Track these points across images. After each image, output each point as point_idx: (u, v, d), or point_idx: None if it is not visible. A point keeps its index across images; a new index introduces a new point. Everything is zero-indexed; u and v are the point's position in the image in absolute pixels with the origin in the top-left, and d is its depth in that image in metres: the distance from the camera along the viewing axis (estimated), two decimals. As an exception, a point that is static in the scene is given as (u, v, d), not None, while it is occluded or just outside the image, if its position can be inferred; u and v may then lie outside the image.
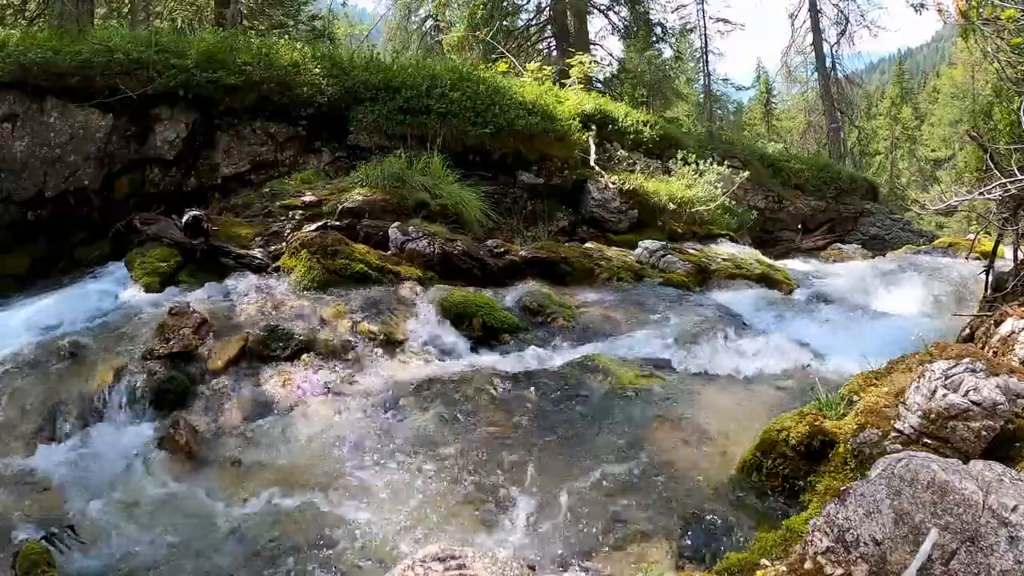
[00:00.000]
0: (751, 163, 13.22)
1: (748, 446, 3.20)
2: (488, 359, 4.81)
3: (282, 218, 6.79)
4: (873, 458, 2.48)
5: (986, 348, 3.35)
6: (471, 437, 3.73)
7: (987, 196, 3.88)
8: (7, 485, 3.54)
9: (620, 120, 11.43)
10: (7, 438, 3.93)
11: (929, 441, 2.60)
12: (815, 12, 23.80)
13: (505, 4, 19.18)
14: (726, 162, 11.67)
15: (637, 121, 11.69)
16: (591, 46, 18.77)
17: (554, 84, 11.90)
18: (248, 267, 6.00)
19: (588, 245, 7.66)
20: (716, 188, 10.14)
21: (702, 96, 24.53)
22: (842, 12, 23.61)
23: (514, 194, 9.04)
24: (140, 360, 4.42)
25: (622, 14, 20.56)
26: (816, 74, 24.63)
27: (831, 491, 2.57)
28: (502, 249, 6.54)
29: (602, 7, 20.42)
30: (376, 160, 7.65)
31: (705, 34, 22.36)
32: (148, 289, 5.68)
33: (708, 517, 2.95)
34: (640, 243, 7.66)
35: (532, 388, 4.21)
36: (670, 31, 21.23)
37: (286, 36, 12.48)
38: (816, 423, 2.95)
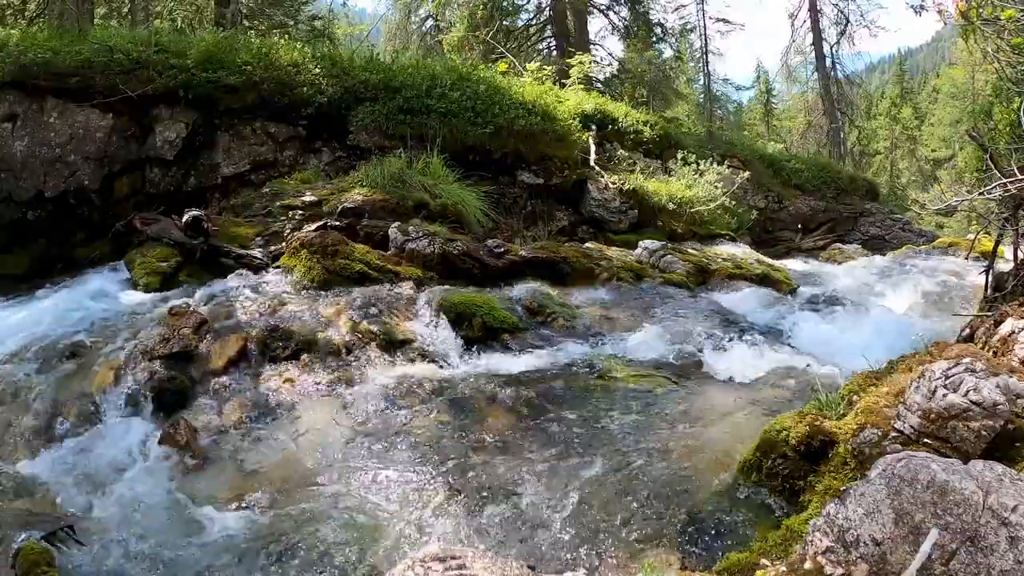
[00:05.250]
0: (751, 163, 13.22)
1: (748, 446, 3.20)
2: (488, 359, 4.81)
3: (282, 218, 6.80)
4: (873, 458, 2.47)
5: (986, 348, 3.34)
6: (471, 437, 3.73)
7: (987, 196, 3.88)
8: (7, 485, 3.54)
9: (620, 120, 11.43)
10: (7, 438, 3.93)
11: (929, 441, 2.60)
12: (815, 12, 23.79)
13: (505, 4, 19.17)
14: (726, 162, 11.67)
15: (637, 121, 11.69)
16: (591, 46, 18.76)
17: (554, 84, 11.90)
18: (248, 267, 6.01)
19: (588, 245, 7.66)
20: (716, 188, 10.14)
21: (702, 96, 24.53)
22: (842, 12, 23.61)
23: (514, 194, 9.04)
24: (140, 360, 4.42)
25: (622, 14, 20.56)
26: (816, 74, 24.61)
27: (831, 491, 2.57)
28: (502, 249, 6.54)
29: (602, 7, 20.42)
30: (376, 160, 7.65)
31: (705, 34, 22.36)
32: (148, 289, 5.69)
33: (708, 517, 2.95)
34: (640, 243, 7.66)
35: (532, 388, 4.21)
36: (670, 31, 21.23)
37: (286, 36, 12.48)
38: (816, 423, 2.94)
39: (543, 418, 3.91)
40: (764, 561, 2.31)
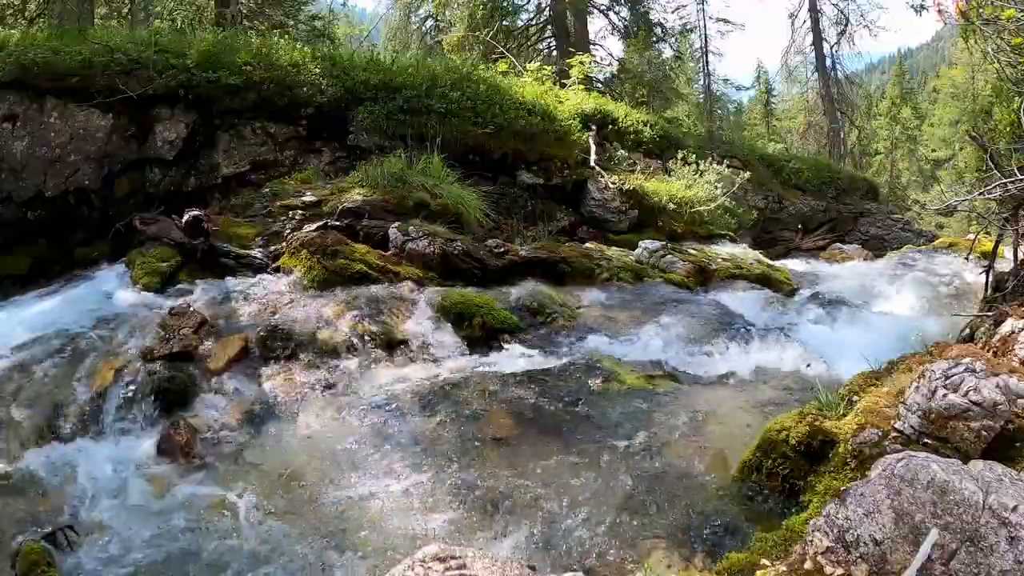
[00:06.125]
0: (751, 163, 13.21)
1: (748, 446, 3.20)
2: (488, 359, 4.80)
3: (282, 218, 6.79)
4: (873, 458, 2.48)
5: (986, 348, 3.34)
6: (471, 437, 3.73)
7: (987, 196, 3.88)
8: (7, 485, 3.54)
9: (620, 120, 11.43)
10: (7, 438, 3.93)
11: (929, 441, 2.60)
12: (815, 12, 23.79)
13: (505, 4, 19.16)
14: (726, 162, 11.66)
15: (637, 121, 11.69)
16: (591, 46, 18.75)
17: (554, 84, 11.90)
18: (248, 267, 6.00)
19: (588, 245, 7.65)
20: (716, 188, 10.14)
21: (702, 96, 24.54)
22: (842, 12, 23.61)
23: (514, 194, 9.04)
24: (140, 360, 4.42)
25: (622, 14, 20.57)
26: (816, 74, 24.62)
27: (831, 491, 2.57)
28: (502, 249, 6.54)
29: (602, 7, 20.42)
30: (376, 160, 7.65)
31: (705, 34, 22.40)
32: (148, 289, 5.68)
33: (708, 517, 2.95)
34: (640, 243, 7.66)
35: (532, 389, 4.21)
36: (670, 31, 21.24)
37: (286, 36, 12.48)
38: (816, 423, 2.95)
39: (542, 418, 3.91)
40: (764, 561, 2.31)
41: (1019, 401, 2.60)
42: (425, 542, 2.84)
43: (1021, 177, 3.53)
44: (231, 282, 5.70)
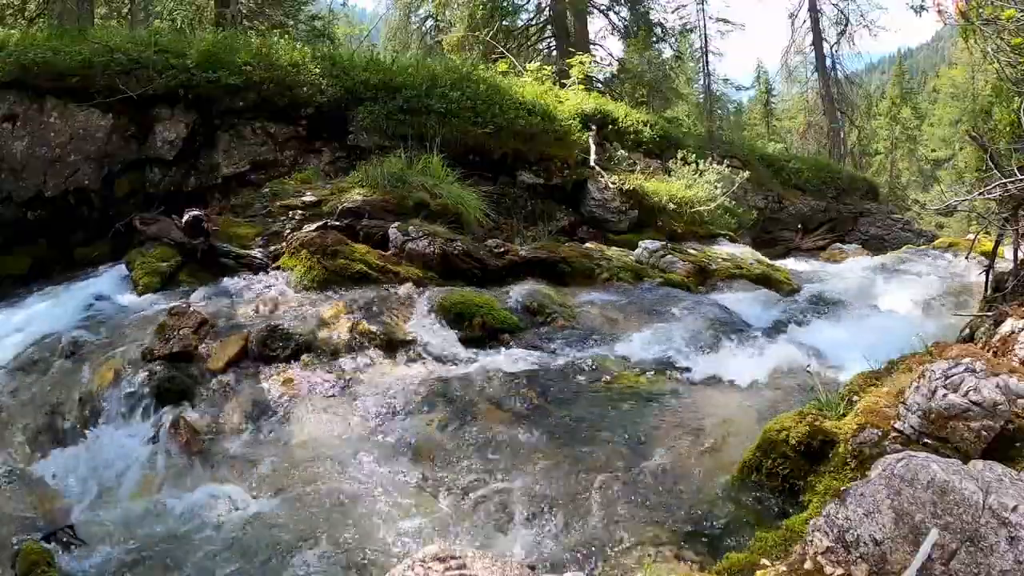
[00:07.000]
0: (751, 163, 13.22)
1: (748, 446, 3.20)
2: (488, 359, 4.80)
3: (282, 218, 6.79)
4: (873, 458, 2.48)
5: (986, 348, 3.34)
6: (470, 438, 3.73)
7: (987, 196, 3.88)
8: (7, 485, 3.54)
9: (620, 120, 11.44)
10: (7, 438, 3.93)
11: (929, 441, 2.60)
12: (815, 12, 23.81)
13: (505, 4, 19.16)
14: (726, 162, 11.67)
15: (637, 121, 11.69)
16: (591, 46, 18.75)
17: (554, 84, 11.90)
18: (248, 267, 6.00)
19: (588, 245, 7.65)
20: (716, 188, 10.14)
21: (702, 96, 24.55)
22: (842, 12, 23.63)
23: (514, 194, 9.04)
24: (140, 360, 4.42)
25: (622, 14, 20.58)
26: (816, 74, 24.63)
27: (831, 491, 2.57)
28: (502, 249, 6.54)
29: (602, 7, 20.43)
30: (376, 160, 7.65)
31: (705, 34, 22.42)
32: (148, 289, 5.68)
33: (708, 517, 2.95)
34: (640, 243, 7.65)
35: (532, 389, 4.21)
36: (670, 31, 21.25)
37: (286, 36, 12.48)
38: (816, 423, 2.95)
39: (542, 418, 3.91)
40: (764, 561, 2.31)
41: (1019, 401, 2.60)
42: (425, 542, 2.84)
43: (1021, 177, 3.53)
44: (231, 282, 5.70)
